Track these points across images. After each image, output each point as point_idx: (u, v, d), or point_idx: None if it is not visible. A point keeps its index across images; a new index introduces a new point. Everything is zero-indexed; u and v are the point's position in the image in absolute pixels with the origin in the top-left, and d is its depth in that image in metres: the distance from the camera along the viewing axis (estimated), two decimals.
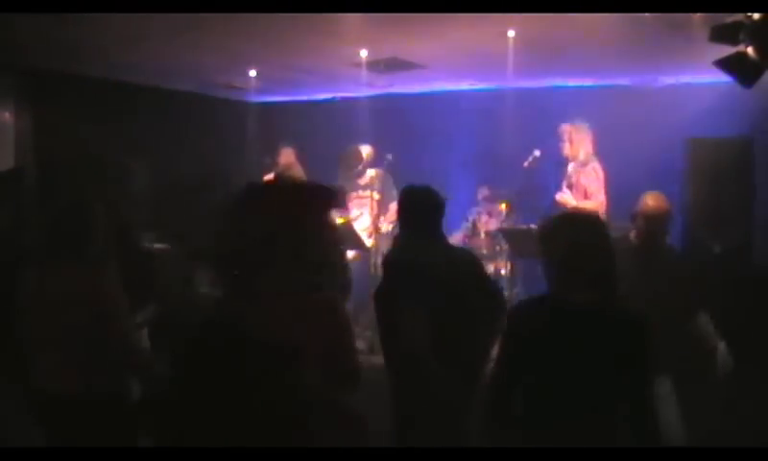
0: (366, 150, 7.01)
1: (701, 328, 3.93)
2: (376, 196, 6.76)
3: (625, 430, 2.34)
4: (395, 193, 6.97)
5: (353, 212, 6.98)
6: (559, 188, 6.18)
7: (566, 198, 6.08)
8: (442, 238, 3.52)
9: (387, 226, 6.84)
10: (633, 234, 3.99)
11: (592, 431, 2.29)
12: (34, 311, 3.04)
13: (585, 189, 6.00)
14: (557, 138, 6.19)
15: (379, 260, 6.67)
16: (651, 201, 3.91)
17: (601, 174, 6.03)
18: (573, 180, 6.10)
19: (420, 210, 3.46)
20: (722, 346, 3.88)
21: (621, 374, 2.31)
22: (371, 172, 7.01)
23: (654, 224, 3.90)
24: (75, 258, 3.04)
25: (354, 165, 6.99)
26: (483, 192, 7.11)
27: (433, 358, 3.16)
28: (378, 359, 3.65)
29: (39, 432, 3.07)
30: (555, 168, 6.34)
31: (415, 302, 3.16)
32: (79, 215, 3.11)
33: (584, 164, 6.05)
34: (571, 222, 2.57)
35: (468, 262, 3.56)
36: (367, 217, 6.89)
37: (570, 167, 6.20)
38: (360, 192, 7.02)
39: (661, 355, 2.92)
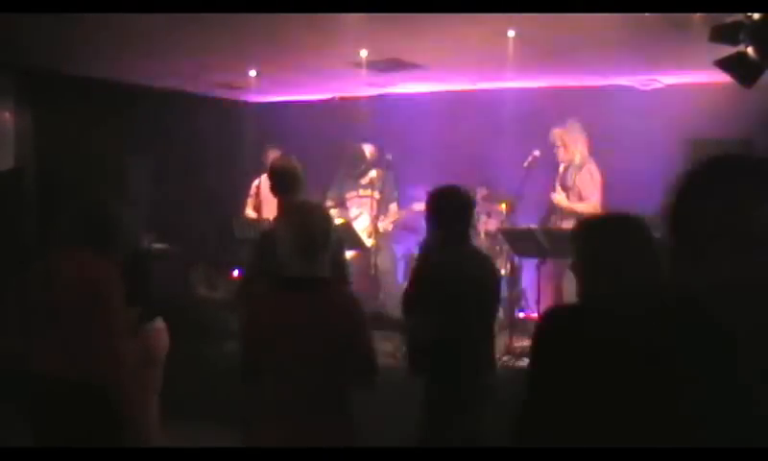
0: (369, 149, 7.00)
1: None
2: (377, 196, 6.76)
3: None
4: (395, 193, 6.99)
5: (353, 212, 6.97)
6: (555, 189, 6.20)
7: (560, 199, 6.08)
8: (469, 240, 3.55)
9: (387, 225, 6.85)
10: None
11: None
12: (35, 293, 3.11)
13: (579, 191, 6.00)
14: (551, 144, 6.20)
15: (379, 260, 6.72)
16: None
17: (597, 175, 6.02)
18: (569, 182, 6.11)
19: (455, 211, 3.42)
20: None
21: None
22: (372, 172, 7.00)
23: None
24: (85, 248, 3.14)
25: (358, 164, 6.98)
26: (482, 192, 7.09)
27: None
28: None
29: (27, 414, 3.12)
30: (554, 168, 6.35)
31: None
32: (105, 211, 3.28)
33: (580, 167, 6.05)
34: (607, 224, 2.30)
35: (491, 269, 3.65)
36: (366, 217, 6.88)
37: (561, 167, 6.20)
38: (360, 192, 7.02)
39: None
